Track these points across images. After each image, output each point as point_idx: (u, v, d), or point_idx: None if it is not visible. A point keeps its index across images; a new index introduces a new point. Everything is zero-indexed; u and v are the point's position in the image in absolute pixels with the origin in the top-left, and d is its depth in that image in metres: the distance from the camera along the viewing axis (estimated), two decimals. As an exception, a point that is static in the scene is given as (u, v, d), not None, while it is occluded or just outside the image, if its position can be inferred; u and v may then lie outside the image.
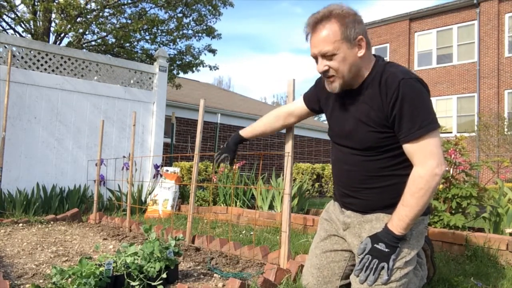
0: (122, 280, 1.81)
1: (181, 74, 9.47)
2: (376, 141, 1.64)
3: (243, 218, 4.31)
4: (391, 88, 1.57)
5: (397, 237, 1.55)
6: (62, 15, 7.03)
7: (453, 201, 3.00)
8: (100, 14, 7.66)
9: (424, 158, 1.53)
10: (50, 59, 5.47)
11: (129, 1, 7.98)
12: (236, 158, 2.35)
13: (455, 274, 2.23)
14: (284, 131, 2.26)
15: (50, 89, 5.38)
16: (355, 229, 1.72)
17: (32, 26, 7.52)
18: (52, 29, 7.56)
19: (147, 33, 8.43)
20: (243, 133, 2.24)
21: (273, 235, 3.48)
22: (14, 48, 5.21)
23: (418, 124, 1.53)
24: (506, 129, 12.89)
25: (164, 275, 1.87)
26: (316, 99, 1.96)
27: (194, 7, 8.28)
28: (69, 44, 7.69)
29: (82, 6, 6.78)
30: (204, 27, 8.74)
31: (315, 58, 1.68)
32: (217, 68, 9.36)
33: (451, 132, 14.45)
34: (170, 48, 8.83)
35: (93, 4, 7.38)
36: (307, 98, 2.03)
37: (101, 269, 1.73)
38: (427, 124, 1.54)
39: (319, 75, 1.95)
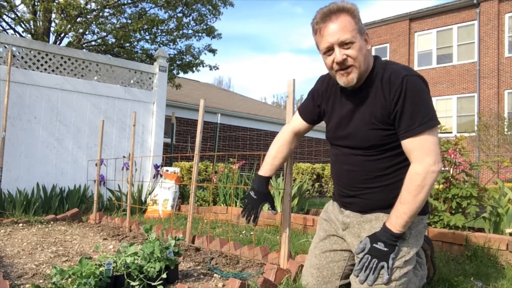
0: (122, 280, 1.81)
1: (181, 74, 9.47)
2: (380, 139, 1.64)
3: (243, 219, 4.30)
4: (394, 85, 1.58)
5: (395, 236, 1.55)
6: (62, 15, 7.03)
7: (453, 201, 3.00)
8: (100, 14, 7.66)
9: (422, 155, 1.54)
10: (50, 59, 5.47)
11: (129, 1, 7.98)
12: (236, 158, 2.34)
13: (455, 274, 2.23)
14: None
15: (50, 89, 5.38)
16: (355, 229, 1.72)
17: (32, 26, 7.52)
18: (52, 29, 7.56)
19: (147, 33, 8.43)
20: (266, 173, 2.00)
21: (273, 235, 3.49)
22: (14, 48, 5.21)
23: (418, 120, 1.55)
24: (506, 129, 12.89)
25: (164, 275, 1.87)
26: (316, 108, 1.91)
27: (194, 6, 8.28)
28: (69, 44, 7.69)
29: (82, 6, 6.78)
30: (204, 27, 8.74)
31: (328, 50, 1.63)
32: (217, 68, 9.35)
33: (451, 132, 14.44)
34: (170, 48, 8.84)
35: (93, 4, 7.39)
36: (304, 112, 1.96)
37: (101, 269, 1.73)
38: (427, 120, 1.55)
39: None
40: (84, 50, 7.84)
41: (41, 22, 7.55)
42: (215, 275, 2.13)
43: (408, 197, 1.54)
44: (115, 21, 8.38)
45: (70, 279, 1.69)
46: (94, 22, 7.66)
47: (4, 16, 7.42)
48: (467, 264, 2.51)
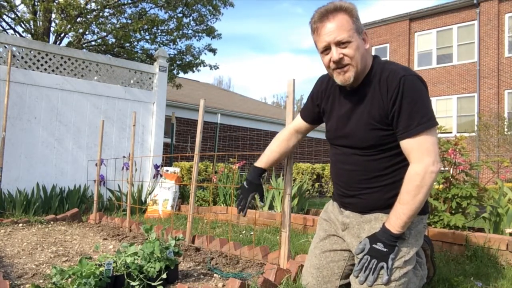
0: (122, 280, 1.81)
1: (181, 74, 9.47)
2: (378, 139, 1.64)
3: (243, 218, 4.31)
4: (392, 84, 1.58)
5: (395, 236, 1.55)
6: (62, 15, 7.03)
7: (453, 201, 3.00)
8: (100, 14, 7.66)
9: (421, 155, 1.54)
10: (50, 59, 5.47)
11: (129, 1, 7.98)
12: (236, 158, 2.34)
13: (455, 274, 2.23)
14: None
15: (50, 89, 5.38)
16: (354, 230, 1.72)
17: (32, 26, 7.51)
18: (52, 29, 7.56)
19: (147, 33, 8.43)
20: (262, 164, 2.04)
21: (273, 235, 3.48)
22: (14, 48, 5.21)
23: (416, 120, 1.55)
24: (506, 129, 12.88)
25: (164, 275, 1.87)
26: (315, 108, 1.92)
27: (194, 7, 8.28)
28: (69, 44, 7.69)
29: (82, 6, 6.78)
30: (204, 27, 8.74)
31: (325, 49, 1.65)
32: (217, 68, 9.34)
33: (451, 132, 14.44)
34: (170, 48, 8.83)
35: (93, 4, 7.38)
36: (305, 113, 2.00)
37: (101, 269, 1.73)
38: (426, 121, 1.55)
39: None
40: (84, 50, 7.83)
41: (41, 22, 7.55)
42: (215, 275, 2.13)
43: (407, 197, 1.54)
44: (115, 21, 8.38)
45: (70, 279, 1.69)
46: (94, 22, 7.66)
47: (4, 16, 7.41)
48: (467, 264, 2.51)
